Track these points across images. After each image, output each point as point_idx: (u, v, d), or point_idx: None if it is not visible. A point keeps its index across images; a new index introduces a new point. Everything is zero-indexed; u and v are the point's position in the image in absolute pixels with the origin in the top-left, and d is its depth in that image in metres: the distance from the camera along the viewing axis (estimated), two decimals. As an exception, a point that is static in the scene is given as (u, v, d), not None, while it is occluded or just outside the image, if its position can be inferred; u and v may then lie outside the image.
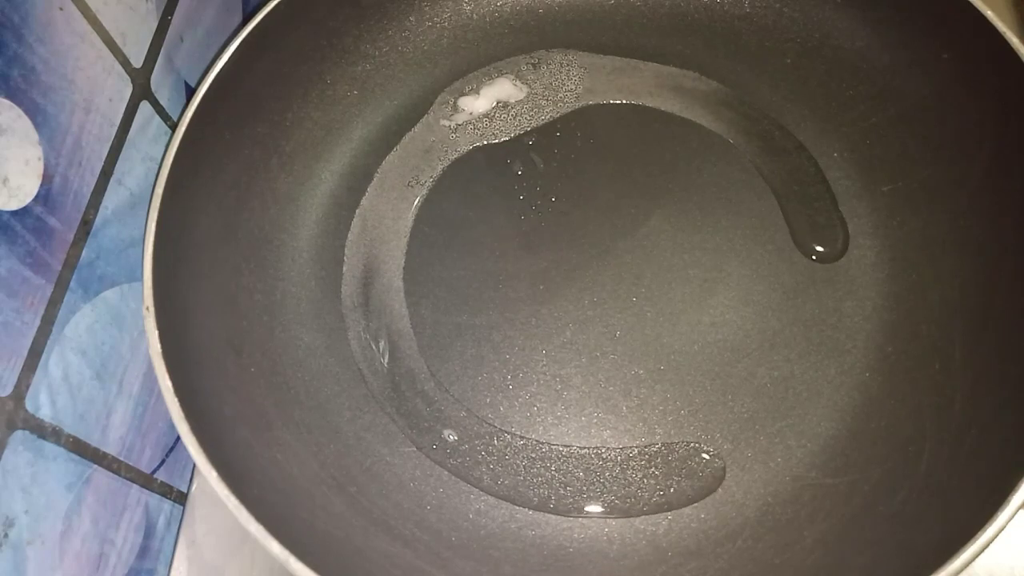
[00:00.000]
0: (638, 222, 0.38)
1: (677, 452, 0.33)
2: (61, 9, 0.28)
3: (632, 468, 0.33)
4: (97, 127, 0.30)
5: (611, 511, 0.32)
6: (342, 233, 0.39)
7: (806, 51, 0.40)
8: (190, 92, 0.38)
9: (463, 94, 0.42)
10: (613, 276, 0.37)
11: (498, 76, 0.42)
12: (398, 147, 0.41)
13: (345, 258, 0.38)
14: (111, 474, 0.31)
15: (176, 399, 0.28)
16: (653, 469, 0.33)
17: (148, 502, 0.33)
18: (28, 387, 0.26)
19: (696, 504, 0.32)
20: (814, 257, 0.36)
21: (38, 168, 0.27)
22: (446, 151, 0.40)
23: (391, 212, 0.39)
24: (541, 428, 0.34)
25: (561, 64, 0.42)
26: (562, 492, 0.33)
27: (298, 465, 0.32)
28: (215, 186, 0.35)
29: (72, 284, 0.29)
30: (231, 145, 0.36)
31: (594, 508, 0.32)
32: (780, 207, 0.38)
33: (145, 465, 0.33)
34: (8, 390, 0.25)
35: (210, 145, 0.35)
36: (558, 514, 0.32)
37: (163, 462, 0.35)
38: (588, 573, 0.31)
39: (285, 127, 0.39)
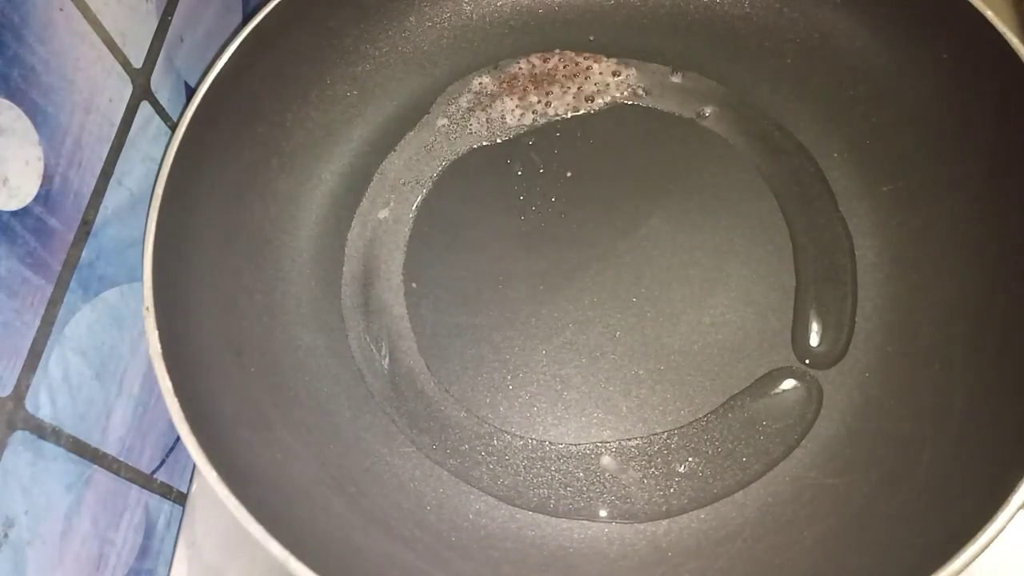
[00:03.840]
0: (638, 222, 0.38)
1: (678, 452, 0.33)
2: (61, 9, 0.28)
3: (632, 468, 0.33)
4: (97, 127, 0.30)
5: (611, 512, 0.32)
6: (342, 233, 0.39)
7: (806, 51, 0.40)
8: (190, 92, 0.38)
9: (463, 94, 0.42)
10: (613, 276, 0.37)
11: (498, 76, 0.42)
12: (398, 147, 0.41)
13: (345, 258, 0.38)
14: (111, 474, 0.31)
15: (176, 399, 0.28)
16: (653, 470, 0.33)
17: (148, 502, 0.33)
18: (28, 387, 0.26)
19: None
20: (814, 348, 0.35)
21: (38, 168, 0.27)
22: (446, 151, 0.40)
23: (391, 212, 0.39)
24: (541, 428, 0.34)
25: (561, 64, 0.42)
26: (562, 493, 0.33)
27: (298, 465, 0.32)
28: (215, 186, 0.35)
29: (72, 284, 0.29)
30: (231, 145, 0.36)
31: (594, 509, 0.32)
32: (780, 207, 0.38)
33: (145, 465, 0.33)
34: (8, 390, 0.25)
35: (210, 145, 0.35)
36: (558, 515, 0.32)
37: (163, 462, 0.35)
38: (588, 573, 0.31)
39: (285, 127, 0.39)
